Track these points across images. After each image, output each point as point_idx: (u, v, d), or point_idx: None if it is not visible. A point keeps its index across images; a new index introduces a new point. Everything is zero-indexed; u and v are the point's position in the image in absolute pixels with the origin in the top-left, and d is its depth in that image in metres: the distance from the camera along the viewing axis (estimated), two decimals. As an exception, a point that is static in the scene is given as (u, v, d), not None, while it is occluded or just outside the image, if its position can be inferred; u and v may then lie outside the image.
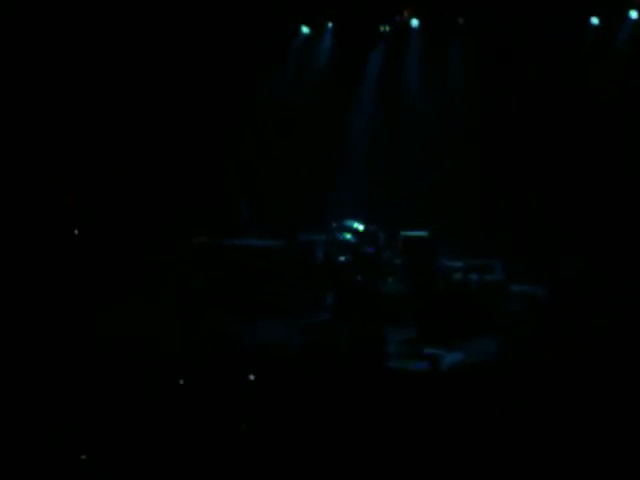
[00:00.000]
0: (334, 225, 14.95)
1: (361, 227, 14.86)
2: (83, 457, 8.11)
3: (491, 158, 15.46)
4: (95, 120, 15.84)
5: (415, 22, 15.75)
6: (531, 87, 15.15)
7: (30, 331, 11.65)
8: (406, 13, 15.76)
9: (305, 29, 16.38)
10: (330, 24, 16.31)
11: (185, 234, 15.02)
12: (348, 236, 14.81)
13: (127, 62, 15.71)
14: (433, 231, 14.62)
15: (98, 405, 9.21)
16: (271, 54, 16.06)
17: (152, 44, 15.70)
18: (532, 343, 11.65)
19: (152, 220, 15.46)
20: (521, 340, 11.84)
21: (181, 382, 9.95)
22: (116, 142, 15.96)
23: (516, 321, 12.55)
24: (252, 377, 10.07)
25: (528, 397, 9.46)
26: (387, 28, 16.01)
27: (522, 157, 15.28)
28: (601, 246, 14.16)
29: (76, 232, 15.09)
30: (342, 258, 14.60)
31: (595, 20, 14.92)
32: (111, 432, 8.61)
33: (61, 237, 15.01)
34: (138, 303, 13.36)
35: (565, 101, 15.01)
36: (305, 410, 9.26)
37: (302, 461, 8.28)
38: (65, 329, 11.92)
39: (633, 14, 14.69)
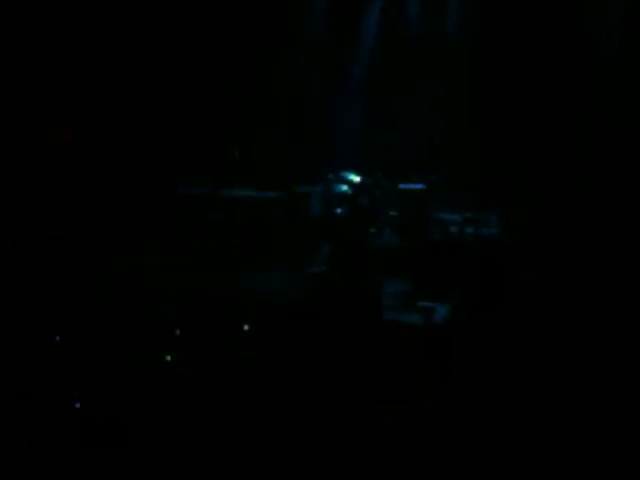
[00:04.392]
0: (330, 177, 14.92)
1: (358, 178, 14.84)
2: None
3: (492, 108, 15.35)
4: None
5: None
6: (532, 36, 15.02)
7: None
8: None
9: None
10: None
11: (174, 184, 14.96)
12: (344, 188, 14.79)
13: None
14: (430, 184, 14.58)
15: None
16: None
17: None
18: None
19: (136, 171, 15.25)
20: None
21: (177, 332, 9.98)
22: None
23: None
24: (246, 327, 10.09)
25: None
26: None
27: (521, 108, 15.17)
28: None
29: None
30: (338, 210, 14.59)
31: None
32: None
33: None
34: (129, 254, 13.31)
35: (561, 53, 14.92)
36: (300, 360, 9.28)
37: (295, 413, 8.33)
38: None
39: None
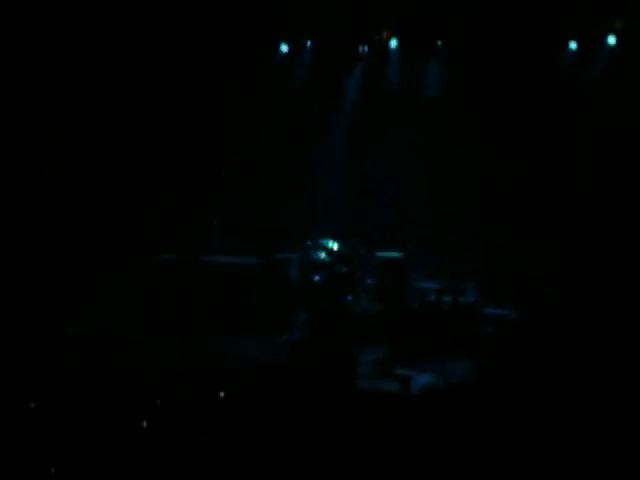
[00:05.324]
0: (309, 244, 14.96)
1: (336, 246, 14.89)
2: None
3: (467, 176, 15.45)
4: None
5: (394, 43, 15.83)
6: (509, 111, 15.19)
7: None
8: (385, 34, 15.81)
9: (284, 47, 16.38)
10: (309, 43, 16.34)
11: (152, 250, 14.94)
12: (322, 255, 14.82)
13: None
14: (408, 252, 14.63)
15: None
16: (249, 72, 16.04)
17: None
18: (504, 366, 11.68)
19: (116, 237, 15.25)
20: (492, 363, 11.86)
21: (158, 402, 9.90)
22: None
23: (488, 344, 12.58)
24: (222, 394, 10.03)
25: (502, 418, 9.50)
26: (366, 48, 16.06)
27: (497, 176, 15.28)
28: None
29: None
30: (316, 277, 14.60)
31: (573, 45, 14.99)
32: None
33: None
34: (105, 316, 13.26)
35: (540, 125, 15.09)
36: (274, 429, 9.23)
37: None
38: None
39: (611, 40, 14.74)
